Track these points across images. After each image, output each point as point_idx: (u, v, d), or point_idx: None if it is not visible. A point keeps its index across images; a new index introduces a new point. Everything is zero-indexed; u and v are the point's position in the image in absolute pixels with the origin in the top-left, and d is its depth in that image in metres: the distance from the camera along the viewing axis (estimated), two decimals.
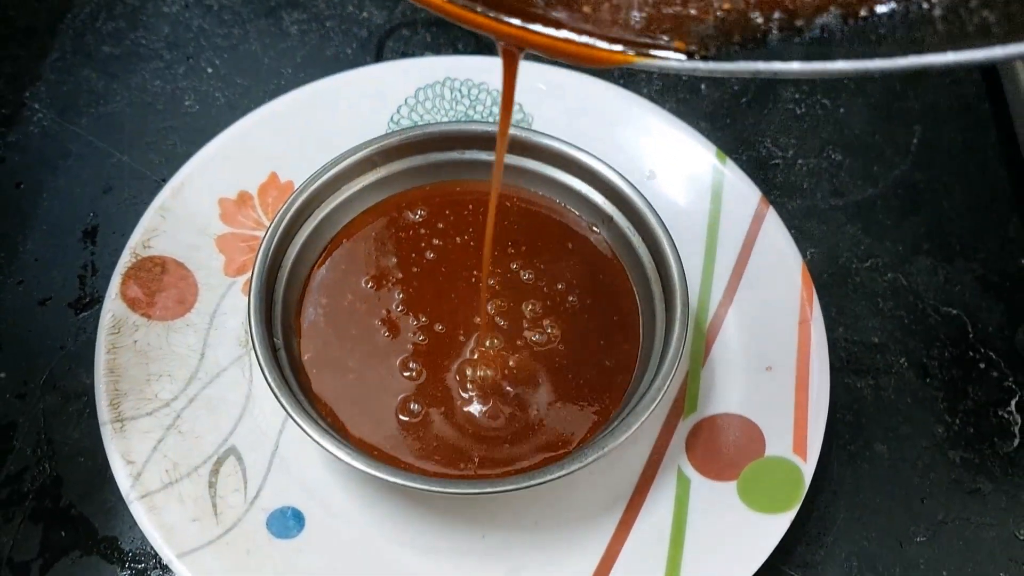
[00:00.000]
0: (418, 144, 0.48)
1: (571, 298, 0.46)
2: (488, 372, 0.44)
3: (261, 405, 0.45)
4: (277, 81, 0.58)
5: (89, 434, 0.45)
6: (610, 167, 0.47)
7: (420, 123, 0.54)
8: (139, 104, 0.56)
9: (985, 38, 0.26)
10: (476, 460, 0.42)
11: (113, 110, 0.56)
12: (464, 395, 0.43)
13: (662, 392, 0.41)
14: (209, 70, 0.58)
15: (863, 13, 0.28)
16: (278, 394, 0.40)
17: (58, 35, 0.58)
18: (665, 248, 0.45)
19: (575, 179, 0.48)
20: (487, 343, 0.45)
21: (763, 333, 0.49)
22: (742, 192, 0.52)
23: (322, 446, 0.39)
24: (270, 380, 0.40)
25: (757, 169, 0.57)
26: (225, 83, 0.57)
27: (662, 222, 0.46)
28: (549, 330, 0.45)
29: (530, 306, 0.46)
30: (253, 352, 0.42)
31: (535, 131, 0.48)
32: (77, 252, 0.51)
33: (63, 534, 0.43)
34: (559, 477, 0.39)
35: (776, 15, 0.27)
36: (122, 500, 0.41)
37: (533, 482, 0.39)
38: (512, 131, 0.48)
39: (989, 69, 0.61)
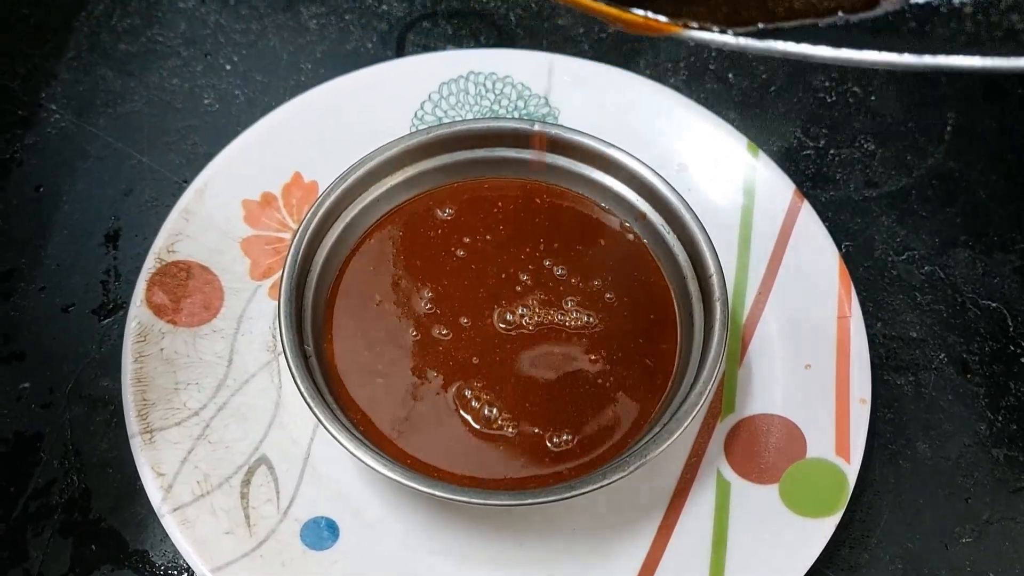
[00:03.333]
0: (445, 142, 0.47)
1: (608, 295, 0.45)
2: (525, 374, 0.43)
3: (291, 412, 0.44)
4: (297, 77, 0.56)
5: (117, 444, 0.44)
6: (642, 163, 0.46)
7: (444, 119, 0.53)
8: (157, 103, 0.55)
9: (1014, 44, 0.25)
10: (514, 466, 0.41)
11: (131, 110, 0.54)
12: (500, 399, 0.42)
13: (703, 397, 0.40)
14: (227, 67, 0.56)
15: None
16: (312, 405, 0.39)
17: (73, 33, 0.57)
18: (702, 246, 0.44)
19: (606, 175, 0.47)
20: (522, 344, 0.44)
21: (801, 330, 0.47)
22: (775, 185, 0.51)
23: (359, 458, 0.38)
24: (303, 390, 0.39)
25: (788, 160, 0.56)
26: (244, 80, 0.56)
27: (697, 219, 0.45)
28: (586, 327, 0.44)
29: (566, 304, 0.45)
30: (283, 359, 0.41)
31: (564, 127, 0.47)
32: (99, 257, 0.50)
33: (93, 548, 0.42)
34: (601, 487, 0.38)
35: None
36: (153, 512, 0.41)
37: (574, 492, 0.38)
38: (540, 127, 0.47)
39: None
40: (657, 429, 0.40)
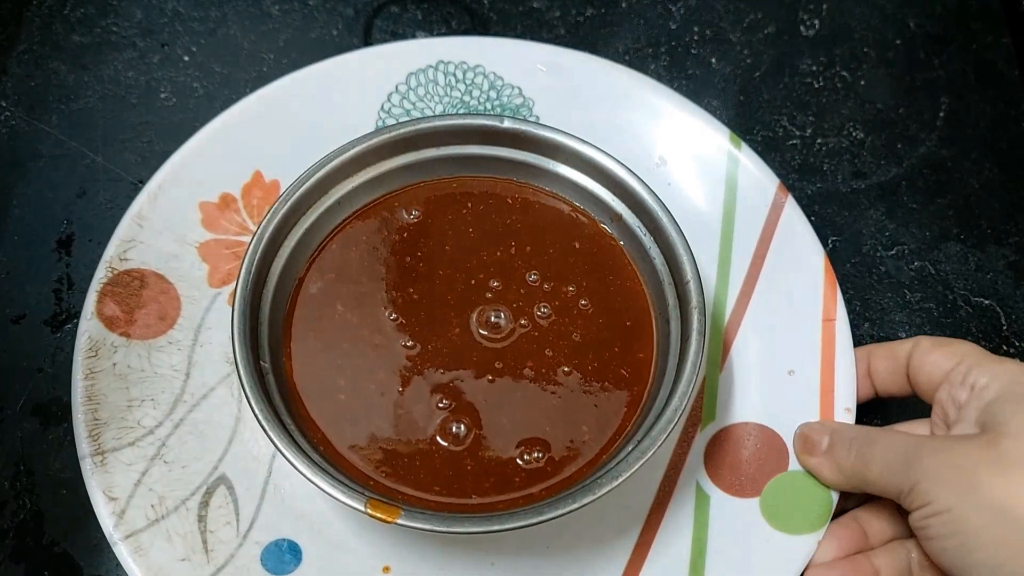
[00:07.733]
0: (411, 140, 0.45)
1: (583, 302, 0.43)
2: (495, 388, 0.41)
3: (252, 427, 0.42)
4: (259, 68, 0.54)
5: (71, 464, 0.42)
6: (618, 161, 0.44)
7: (412, 111, 0.50)
8: (112, 98, 0.52)
9: None
10: (483, 487, 0.39)
11: (85, 106, 0.52)
12: (469, 415, 0.40)
13: (679, 414, 0.38)
14: (186, 58, 0.54)
15: None
16: (268, 429, 0.37)
17: (24, 24, 0.54)
18: (679, 250, 0.42)
19: (581, 174, 0.45)
20: (493, 356, 0.42)
21: (784, 334, 0.46)
22: (758, 180, 0.49)
23: (318, 486, 0.36)
24: (258, 413, 0.37)
25: (773, 150, 0.53)
26: (203, 72, 0.53)
27: (675, 221, 0.43)
28: (559, 337, 0.42)
29: (539, 312, 0.43)
30: (239, 379, 0.39)
31: (536, 123, 0.45)
32: (51, 264, 0.47)
33: (46, 574, 0.41)
34: (572, 511, 0.36)
35: None
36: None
37: (543, 518, 0.36)
38: (511, 123, 0.45)
39: (1020, 33, 0.57)
40: (631, 447, 0.38)
